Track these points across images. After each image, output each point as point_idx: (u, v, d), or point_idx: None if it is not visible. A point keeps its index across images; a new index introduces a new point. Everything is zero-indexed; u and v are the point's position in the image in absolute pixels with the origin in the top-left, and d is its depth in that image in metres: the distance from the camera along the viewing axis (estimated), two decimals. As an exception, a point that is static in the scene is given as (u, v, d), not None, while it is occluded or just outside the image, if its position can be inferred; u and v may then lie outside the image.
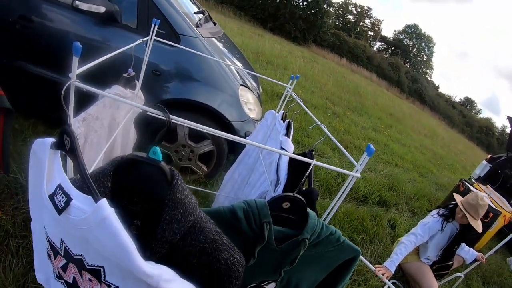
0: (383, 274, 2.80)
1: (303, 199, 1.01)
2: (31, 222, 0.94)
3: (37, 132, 3.07)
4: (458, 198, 3.18)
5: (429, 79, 51.09)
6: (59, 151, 0.81)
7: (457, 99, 54.57)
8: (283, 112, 2.12)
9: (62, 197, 0.72)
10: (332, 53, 30.82)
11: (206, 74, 3.00)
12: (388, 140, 9.60)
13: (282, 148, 1.67)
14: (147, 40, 1.90)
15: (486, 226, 4.49)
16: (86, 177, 0.71)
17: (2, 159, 1.88)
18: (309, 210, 1.03)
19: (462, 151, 19.59)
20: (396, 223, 4.56)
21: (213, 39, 3.38)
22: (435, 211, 3.27)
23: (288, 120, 1.98)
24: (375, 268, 2.78)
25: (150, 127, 2.63)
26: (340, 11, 45.86)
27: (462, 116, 45.57)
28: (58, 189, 0.74)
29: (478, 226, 3.04)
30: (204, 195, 3.00)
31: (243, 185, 2.15)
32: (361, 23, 47.58)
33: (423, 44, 49.57)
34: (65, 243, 0.78)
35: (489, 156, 6.87)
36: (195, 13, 3.59)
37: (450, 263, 3.33)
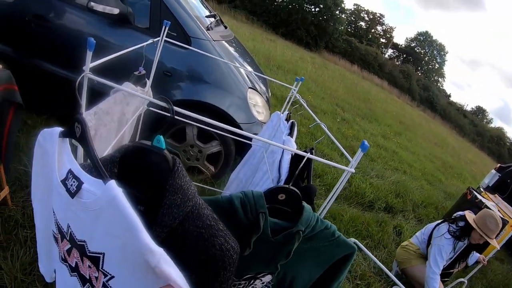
0: None
1: (298, 191, 1.05)
2: (34, 213, 0.98)
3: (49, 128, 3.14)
4: (470, 218, 3.12)
5: (441, 87, 50.71)
6: (67, 139, 0.85)
7: (468, 108, 54.01)
8: (288, 113, 2.17)
9: (74, 181, 0.77)
10: (343, 60, 30.77)
11: (215, 76, 3.06)
12: (397, 147, 9.58)
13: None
14: (158, 40, 1.96)
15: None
16: (96, 160, 0.76)
17: (6, 153, 1.96)
18: (304, 203, 1.07)
19: (472, 160, 19.40)
20: (402, 229, 4.56)
21: (224, 42, 3.44)
22: (445, 227, 3.20)
23: (291, 120, 2.03)
24: None
25: (159, 124, 2.69)
26: (352, 18, 45.79)
27: (473, 125, 45.12)
28: (69, 174, 0.78)
29: (495, 243, 3.03)
30: (211, 194, 3.04)
31: (248, 185, 2.20)
32: (373, 30, 47.45)
33: (435, 52, 49.24)
34: (71, 228, 0.82)
35: (498, 165, 6.82)
36: (207, 16, 3.66)
37: (452, 271, 3.33)
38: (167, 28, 1.94)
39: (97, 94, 1.42)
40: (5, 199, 2.17)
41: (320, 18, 30.76)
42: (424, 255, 3.34)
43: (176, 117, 0.96)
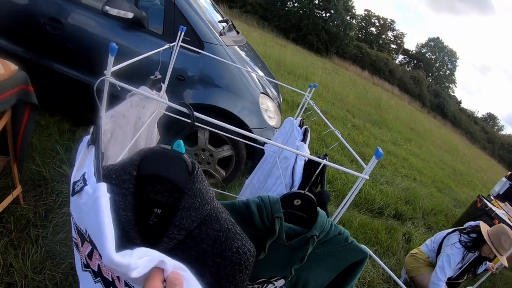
0: None
1: (313, 197, 1.07)
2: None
3: (62, 129, 3.20)
4: (484, 230, 3.09)
5: (451, 93, 50.37)
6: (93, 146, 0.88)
7: (479, 115, 53.71)
8: (301, 119, 2.18)
9: (81, 183, 0.78)
10: (354, 65, 30.73)
11: (228, 81, 3.08)
12: (407, 154, 9.53)
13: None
14: (174, 45, 1.98)
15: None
16: (96, 162, 0.78)
17: (20, 153, 2.00)
18: (319, 209, 1.08)
19: (483, 168, 19.23)
20: (411, 237, 4.54)
21: (236, 47, 3.46)
22: (455, 237, 3.18)
23: (305, 126, 2.04)
24: None
25: (173, 128, 2.72)
26: (363, 23, 45.74)
27: (484, 132, 44.77)
28: (82, 176, 0.80)
29: (504, 261, 3.01)
30: (221, 198, 3.06)
31: (260, 190, 2.21)
32: (383, 36, 47.31)
33: (446, 58, 48.98)
34: (88, 229, 0.81)
35: (509, 173, 6.75)
36: (219, 21, 3.68)
37: (460, 281, 3.30)
38: (183, 34, 1.96)
39: (112, 98, 1.44)
40: (17, 198, 2.22)
41: (331, 24, 30.77)
42: (434, 264, 3.31)
43: (198, 124, 0.98)
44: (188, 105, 0.93)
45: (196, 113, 0.93)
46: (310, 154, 1.34)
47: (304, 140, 1.89)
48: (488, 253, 3.05)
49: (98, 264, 0.84)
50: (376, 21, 46.76)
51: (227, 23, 3.81)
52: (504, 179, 6.59)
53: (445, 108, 40.45)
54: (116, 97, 1.42)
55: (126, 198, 0.82)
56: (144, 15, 2.85)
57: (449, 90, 49.95)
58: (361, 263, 1.19)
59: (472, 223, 3.33)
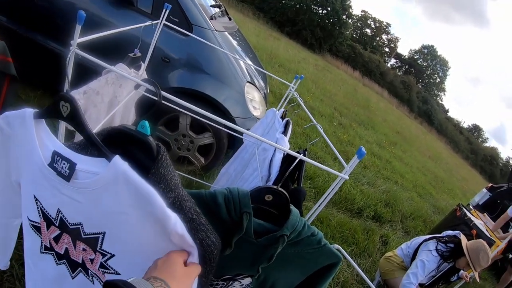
0: None
1: (286, 193, 1.00)
2: None
3: (42, 104, 3.08)
4: (464, 243, 3.08)
5: (440, 101, 50.96)
6: (43, 121, 0.80)
7: (465, 125, 54.58)
8: (283, 111, 2.12)
9: (64, 164, 0.73)
10: (345, 64, 30.83)
11: (215, 68, 3.00)
12: (391, 157, 9.57)
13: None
14: (157, 23, 1.90)
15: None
16: (95, 138, 0.73)
17: None
18: (292, 206, 1.01)
19: (464, 177, 19.50)
20: (389, 239, 4.53)
21: (226, 33, 3.38)
22: (433, 245, 3.15)
23: (287, 118, 1.97)
24: None
25: (150, 110, 2.63)
26: (358, 24, 45.88)
27: (468, 143, 45.46)
28: (56, 156, 0.74)
29: (477, 277, 3.05)
30: (198, 186, 2.99)
31: (237, 180, 2.14)
32: (378, 38, 47.51)
33: (438, 67, 49.43)
34: (61, 213, 0.78)
35: (490, 185, 6.84)
36: (212, 6, 3.59)
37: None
38: (167, 11, 1.87)
39: (91, 72, 1.36)
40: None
41: (327, 21, 30.75)
42: (407, 268, 3.30)
43: (167, 103, 0.90)
44: (155, 83, 0.85)
45: (163, 93, 0.85)
46: (291, 149, 1.28)
47: (285, 132, 1.83)
48: (463, 266, 3.06)
49: (66, 248, 0.84)
50: (372, 23, 46.94)
51: (220, 8, 3.72)
52: (484, 190, 6.67)
53: (432, 115, 40.87)
54: (94, 72, 1.33)
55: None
56: (133, -8, 2.76)
57: (438, 98, 50.56)
58: (334, 266, 1.14)
59: (450, 232, 3.32)
